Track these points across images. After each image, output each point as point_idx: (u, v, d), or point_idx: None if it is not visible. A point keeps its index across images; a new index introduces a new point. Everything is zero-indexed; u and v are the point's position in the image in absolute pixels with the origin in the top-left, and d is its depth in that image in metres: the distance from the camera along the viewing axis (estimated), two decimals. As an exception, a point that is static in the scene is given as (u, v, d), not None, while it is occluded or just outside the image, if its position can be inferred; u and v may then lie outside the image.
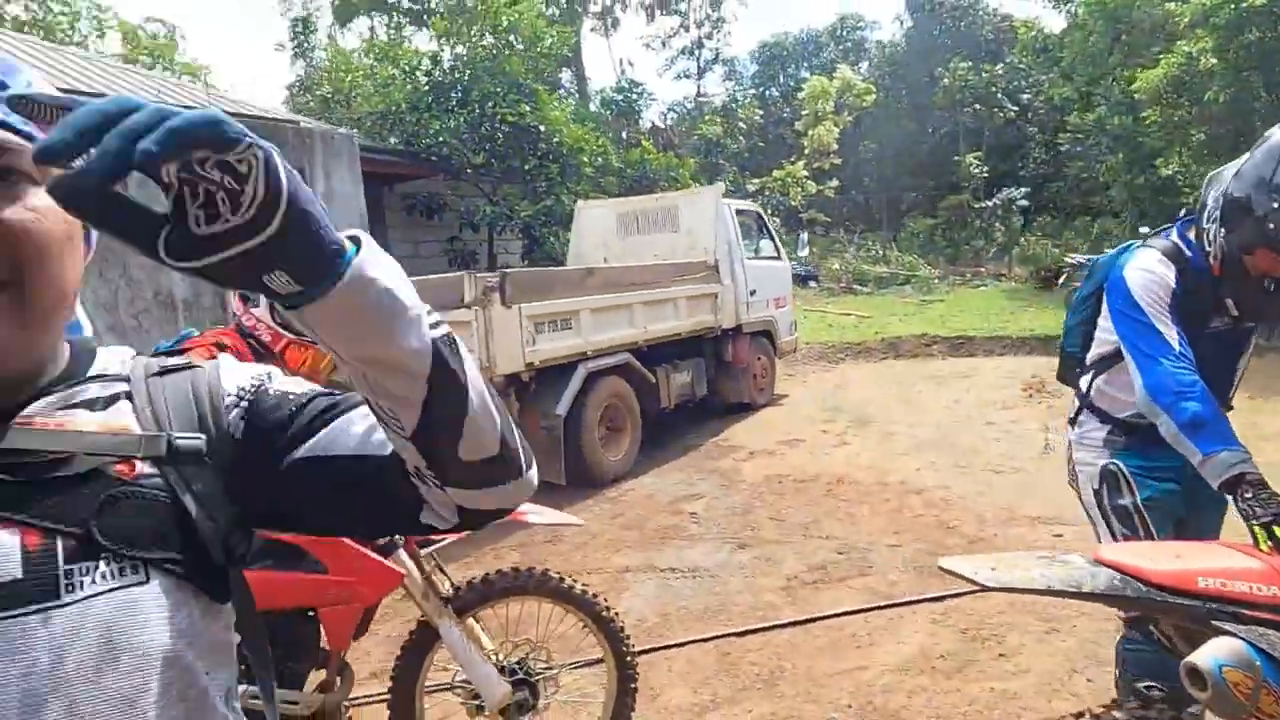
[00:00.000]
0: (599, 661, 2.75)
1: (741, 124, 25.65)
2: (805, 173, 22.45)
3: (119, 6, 46.49)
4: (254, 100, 13.10)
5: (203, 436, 0.74)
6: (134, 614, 0.66)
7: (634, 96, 23.34)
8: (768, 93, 34.13)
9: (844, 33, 36.30)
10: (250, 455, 0.76)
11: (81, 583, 0.65)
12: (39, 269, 0.66)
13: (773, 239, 9.77)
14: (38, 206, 0.66)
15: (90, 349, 0.80)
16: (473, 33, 13.44)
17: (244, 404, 0.79)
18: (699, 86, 33.52)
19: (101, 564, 0.66)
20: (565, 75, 27.32)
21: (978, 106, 26.48)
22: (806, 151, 25.52)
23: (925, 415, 8.42)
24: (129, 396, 0.76)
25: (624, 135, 21.75)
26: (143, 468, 0.71)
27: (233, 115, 0.51)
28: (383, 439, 0.73)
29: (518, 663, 2.58)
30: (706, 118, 26.70)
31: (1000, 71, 26.90)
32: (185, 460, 0.72)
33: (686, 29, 32.67)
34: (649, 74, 52.40)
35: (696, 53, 32.99)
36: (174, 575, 0.69)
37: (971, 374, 10.63)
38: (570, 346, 6.43)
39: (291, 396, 0.80)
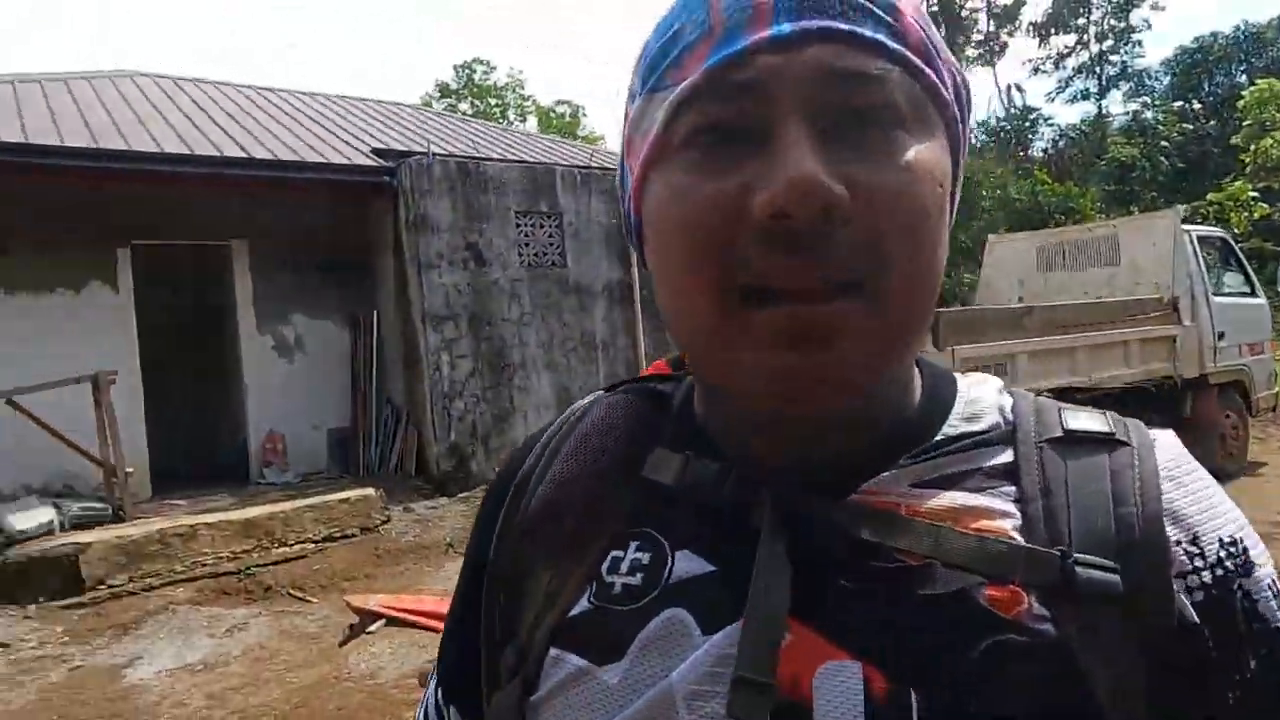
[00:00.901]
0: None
1: (1165, 143, 22.09)
2: (1254, 193, 18.55)
3: (536, 95, 55.38)
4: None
5: (1118, 569, 0.43)
6: None
7: (1024, 123, 21.44)
8: (1186, 106, 29.22)
9: (1297, 23, 29.86)
10: (1178, 674, 0.43)
11: None
12: (906, 256, 0.43)
13: (1245, 271, 8.04)
14: (911, 162, 0.43)
15: (948, 376, 0.55)
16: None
17: (1212, 580, 0.45)
18: (1101, 106, 29.75)
19: None
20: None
21: None
22: (1248, 169, 21.17)
23: None
24: (1012, 473, 0.48)
25: (1013, 165, 20.00)
26: (1030, 601, 0.43)
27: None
28: None
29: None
30: (1112, 139, 23.53)
31: None
32: (1089, 601, 0.43)
33: (1085, 45, 29.34)
34: (1036, 99, 47.75)
35: (1098, 69, 29.38)
36: None
37: None
38: (1003, 394, 5.73)
39: None
